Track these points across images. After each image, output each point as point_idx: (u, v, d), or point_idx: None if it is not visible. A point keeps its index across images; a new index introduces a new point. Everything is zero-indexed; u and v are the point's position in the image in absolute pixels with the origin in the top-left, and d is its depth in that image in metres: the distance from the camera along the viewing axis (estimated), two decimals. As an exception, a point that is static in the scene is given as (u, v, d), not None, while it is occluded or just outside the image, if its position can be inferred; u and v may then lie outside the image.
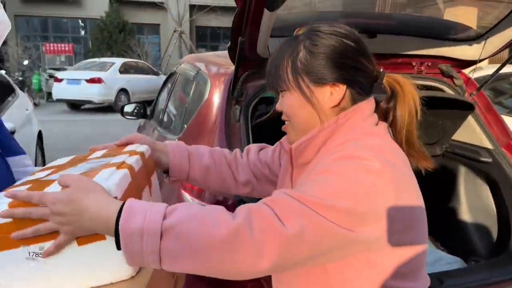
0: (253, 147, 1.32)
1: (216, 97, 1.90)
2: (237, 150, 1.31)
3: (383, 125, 0.93)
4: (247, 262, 0.73)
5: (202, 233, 0.73)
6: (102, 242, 0.78)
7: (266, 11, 1.43)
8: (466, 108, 1.99)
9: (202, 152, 1.24)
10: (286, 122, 0.97)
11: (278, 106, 0.97)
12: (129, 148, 1.04)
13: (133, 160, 0.92)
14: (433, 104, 1.92)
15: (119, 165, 0.87)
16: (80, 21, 21.33)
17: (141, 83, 13.24)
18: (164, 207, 0.76)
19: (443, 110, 1.98)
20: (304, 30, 0.94)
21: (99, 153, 1.05)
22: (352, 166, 0.78)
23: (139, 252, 0.73)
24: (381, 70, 0.94)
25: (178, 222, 0.73)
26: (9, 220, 0.77)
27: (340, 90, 0.89)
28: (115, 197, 0.79)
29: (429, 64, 2.10)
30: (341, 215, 0.74)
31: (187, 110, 2.25)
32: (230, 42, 1.66)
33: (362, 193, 0.76)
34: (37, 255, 0.78)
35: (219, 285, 1.56)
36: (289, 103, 0.93)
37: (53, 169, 0.95)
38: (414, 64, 2.08)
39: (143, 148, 1.04)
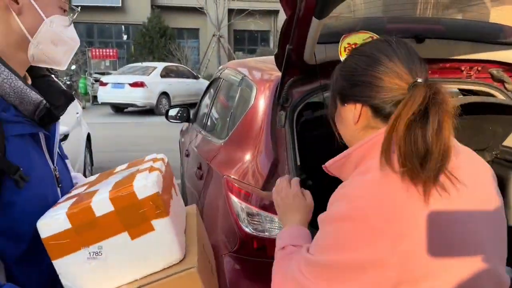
0: None
1: (261, 103, 1.95)
2: None
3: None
4: None
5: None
6: (152, 234, 0.88)
7: (314, 19, 1.46)
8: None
9: None
10: None
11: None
12: (150, 157, 1.12)
13: (158, 165, 1.01)
14: (481, 109, 1.88)
15: (150, 169, 0.96)
16: (123, 26, 22.07)
17: (181, 87, 13.53)
18: (289, 242, 1.01)
19: (492, 115, 1.93)
20: None
21: (123, 166, 1.13)
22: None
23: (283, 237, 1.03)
24: (419, 80, 0.82)
25: (282, 254, 0.99)
26: (68, 226, 0.84)
27: (357, 108, 0.89)
28: (158, 192, 0.88)
29: (479, 68, 2.05)
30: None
31: (232, 115, 2.31)
32: (277, 49, 1.69)
33: None
34: (97, 254, 0.86)
35: (262, 283, 1.59)
36: (336, 118, 0.98)
37: (87, 185, 1.03)
38: (463, 68, 2.04)
39: (161, 155, 1.13)
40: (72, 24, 0.99)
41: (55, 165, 0.99)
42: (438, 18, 1.98)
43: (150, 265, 0.90)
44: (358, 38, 1.70)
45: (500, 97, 2.05)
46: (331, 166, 0.98)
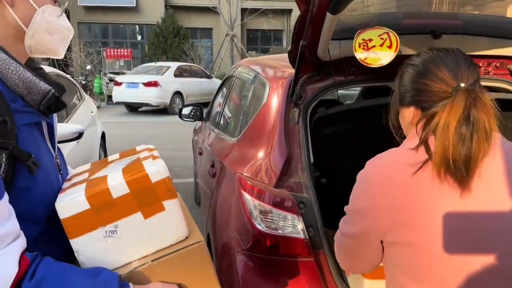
0: None
1: (275, 100, 1.93)
2: None
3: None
4: None
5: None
6: (163, 213, 0.97)
7: (328, 15, 1.44)
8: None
9: None
10: None
11: None
12: (141, 147, 1.19)
13: (156, 153, 1.09)
14: (502, 106, 1.84)
15: (153, 157, 1.04)
16: (137, 26, 22.27)
17: (195, 86, 13.59)
18: None
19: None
20: None
21: (115, 156, 1.19)
22: None
23: None
24: (462, 84, 0.95)
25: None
26: (87, 207, 0.91)
27: (410, 110, 1.06)
28: (168, 176, 0.97)
29: (497, 64, 2.01)
30: None
31: (245, 113, 2.30)
32: (291, 46, 1.68)
33: None
34: (113, 233, 0.94)
35: (274, 281, 1.59)
36: (399, 118, 1.13)
37: (87, 173, 1.09)
38: (481, 65, 2.00)
39: (151, 146, 1.19)
40: (64, 14, 1.02)
41: (56, 153, 1.05)
42: (455, 13, 1.94)
43: (160, 242, 0.98)
44: (373, 34, 1.67)
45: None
46: None
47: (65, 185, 1.02)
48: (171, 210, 0.97)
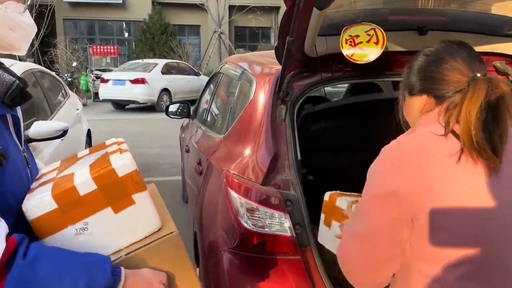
0: None
1: (261, 97, 1.91)
2: None
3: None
4: None
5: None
6: (133, 207, 0.97)
7: (315, 10, 1.42)
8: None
9: None
10: None
11: None
12: (110, 141, 1.18)
13: (125, 147, 1.09)
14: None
15: (121, 151, 1.03)
16: (124, 23, 22.02)
17: (182, 83, 13.49)
18: None
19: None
20: None
21: (85, 151, 1.18)
22: None
23: None
24: (478, 75, 0.98)
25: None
26: (54, 206, 0.91)
27: (423, 99, 1.07)
28: (136, 169, 0.96)
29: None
30: None
31: (232, 110, 2.28)
32: (277, 42, 1.66)
33: None
34: (83, 230, 0.94)
35: (261, 279, 1.57)
36: (404, 107, 1.15)
37: (55, 171, 1.08)
38: (466, 61, 2.00)
39: (120, 139, 1.18)
40: (27, 10, 1.02)
41: (23, 147, 1.04)
42: (442, 10, 1.94)
43: (133, 235, 0.99)
44: (360, 30, 1.67)
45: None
46: None
47: (34, 184, 1.02)
48: (141, 203, 0.98)
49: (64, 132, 3.09)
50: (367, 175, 1.01)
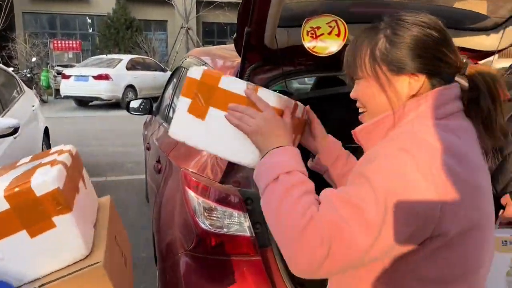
0: None
1: (222, 91, 1.83)
2: None
3: (461, 117, 0.89)
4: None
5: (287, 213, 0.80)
6: (54, 230, 0.85)
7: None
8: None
9: (350, 161, 1.18)
10: (361, 111, 0.97)
11: (353, 94, 0.97)
12: (56, 148, 1.09)
13: (63, 157, 0.97)
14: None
15: (52, 163, 0.92)
16: (87, 18, 21.37)
17: (148, 80, 13.23)
18: (298, 168, 0.88)
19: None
20: (386, 19, 0.93)
21: (26, 159, 1.08)
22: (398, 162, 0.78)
23: (264, 171, 0.89)
24: (464, 60, 0.92)
25: (285, 184, 0.84)
26: (7, 207, 0.81)
27: (419, 80, 0.88)
28: (58, 187, 0.85)
29: (445, 55, 2.01)
30: None
31: (192, 105, 2.19)
32: (235, 33, 1.59)
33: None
34: None
35: (219, 282, 1.50)
36: (364, 90, 0.93)
37: None
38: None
39: (68, 146, 1.09)
40: None
41: None
42: (405, 3, 1.92)
43: (54, 263, 0.87)
44: (321, 22, 1.61)
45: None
46: (361, 132, 0.95)
47: None
48: (64, 227, 0.85)
49: (16, 130, 2.92)
50: None
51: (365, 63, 0.91)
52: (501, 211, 1.48)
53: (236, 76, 1.76)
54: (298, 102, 1.09)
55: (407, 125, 0.86)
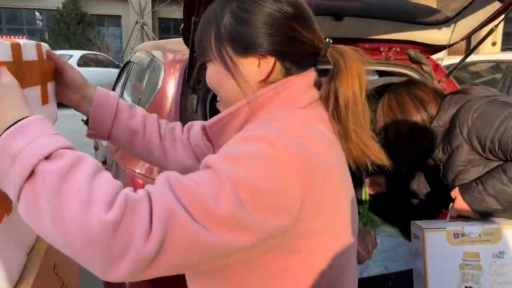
0: (197, 123, 1.11)
1: (170, 86, 1.73)
2: (177, 124, 1.12)
3: (320, 107, 0.79)
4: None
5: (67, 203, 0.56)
6: None
7: (221, -13, 1.27)
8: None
9: (135, 112, 1.05)
10: (219, 100, 0.86)
11: (207, 80, 0.84)
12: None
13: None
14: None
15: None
16: (36, 12, 20.35)
17: (101, 76, 12.77)
18: (59, 145, 0.62)
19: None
20: None
21: None
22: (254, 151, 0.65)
23: (4, 174, 0.58)
24: (327, 40, 0.80)
25: (54, 174, 0.57)
26: None
27: (269, 62, 0.76)
28: None
29: (397, 49, 2.00)
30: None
31: (140, 102, 2.06)
32: (182, 24, 1.49)
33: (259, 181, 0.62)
34: None
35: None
36: (212, 75, 0.81)
37: None
38: (382, 49, 1.98)
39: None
40: None
41: None
42: (357, -5, 1.88)
43: None
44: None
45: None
46: (215, 125, 0.83)
47: None
48: None
49: None
50: None
51: (211, 44, 0.78)
52: (451, 204, 1.47)
53: (185, 70, 1.66)
54: (21, 42, 0.80)
55: (265, 115, 0.76)
